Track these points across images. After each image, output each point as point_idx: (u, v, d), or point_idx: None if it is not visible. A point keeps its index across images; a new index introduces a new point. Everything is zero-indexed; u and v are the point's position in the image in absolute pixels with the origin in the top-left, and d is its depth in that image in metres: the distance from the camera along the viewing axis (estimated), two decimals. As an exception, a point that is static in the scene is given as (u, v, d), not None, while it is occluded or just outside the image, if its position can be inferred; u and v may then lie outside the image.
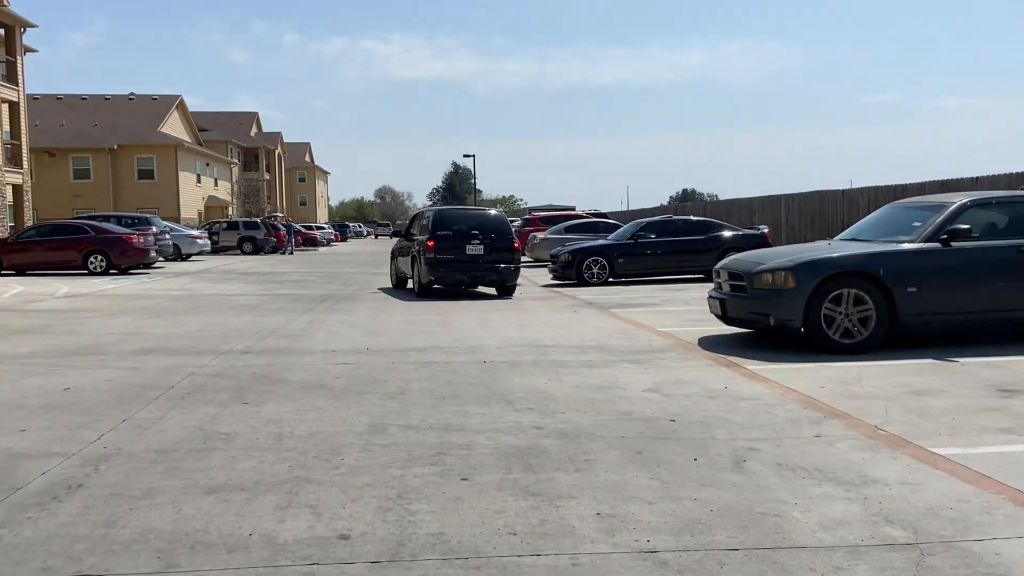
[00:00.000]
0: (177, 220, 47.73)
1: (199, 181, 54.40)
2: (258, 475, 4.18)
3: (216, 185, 58.61)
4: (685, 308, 12.38)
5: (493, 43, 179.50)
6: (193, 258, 31.06)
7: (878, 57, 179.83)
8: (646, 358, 7.70)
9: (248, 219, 42.41)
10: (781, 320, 7.76)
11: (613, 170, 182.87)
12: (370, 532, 3.39)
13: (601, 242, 19.06)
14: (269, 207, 70.93)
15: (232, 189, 61.20)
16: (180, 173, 50.01)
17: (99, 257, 21.60)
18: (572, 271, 17.87)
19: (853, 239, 8.58)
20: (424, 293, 14.87)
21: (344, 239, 70.37)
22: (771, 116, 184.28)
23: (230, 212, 57.95)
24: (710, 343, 8.55)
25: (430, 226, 14.86)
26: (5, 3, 31.05)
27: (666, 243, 18.27)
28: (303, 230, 52.70)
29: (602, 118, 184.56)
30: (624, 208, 71.41)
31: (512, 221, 45.32)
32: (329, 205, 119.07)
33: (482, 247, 14.66)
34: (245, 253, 38.32)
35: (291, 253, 39.99)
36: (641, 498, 3.80)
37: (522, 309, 12.71)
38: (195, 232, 30.99)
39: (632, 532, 3.38)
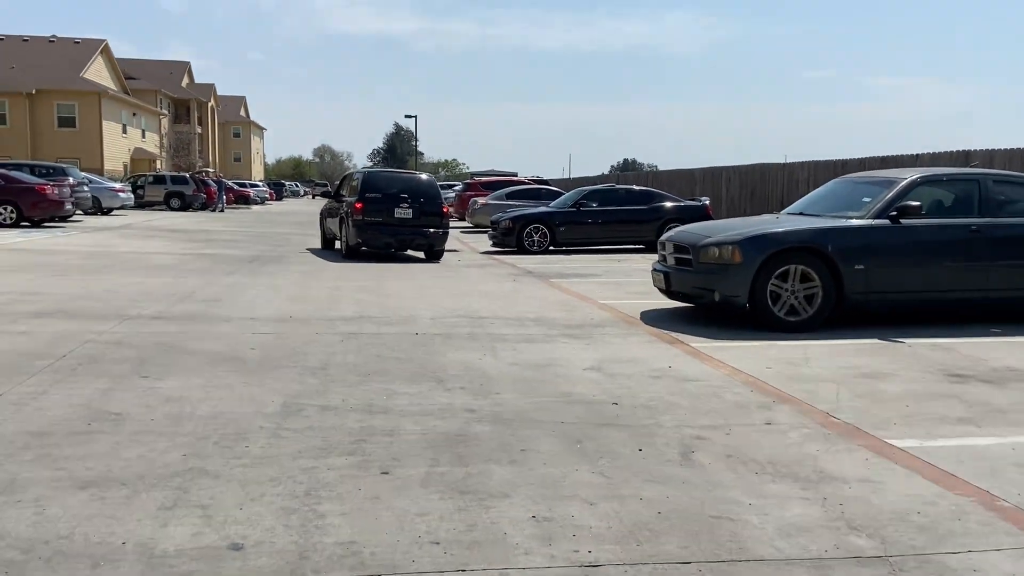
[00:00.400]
0: (100, 172, 45.37)
1: (125, 132, 51.78)
2: (145, 466, 3.63)
3: (143, 137, 55.92)
4: (627, 280, 12.07)
5: (437, 2, 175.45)
6: (115, 212, 29.48)
7: (817, 34, 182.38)
8: (587, 333, 7.32)
9: (176, 173, 40.55)
10: (726, 296, 7.47)
11: (556, 137, 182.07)
12: (268, 541, 2.91)
13: (542, 209, 18.62)
14: (201, 162, 68.20)
15: (161, 142, 58.49)
16: (104, 122, 47.43)
17: (9, 208, 20.15)
18: (512, 238, 17.42)
19: (801, 214, 8.33)
20: (351, 255, 14.72)
21: (280, 198, 68.27)
22: (711, 88, 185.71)
23: (158, 166, 55.43)
24: (653, 318, 8.23)
25: (359, 188, 14.71)
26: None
27: (608, 212, 17.95)
28: (236, 187, 50.76)
29: (546, 84, 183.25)
30: (566, 176, 70.94)
31: (453, 185, 44.74)
32: (265, 162, 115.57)
33: (411, 211, 14.61)
34: (172, 209, 36.66)
35: (221, 211, 38.44)
36: (582, 497, 3.40)
37: (460, 277, 12.22)
38: (117, 185, 29.32)
39: (572, 540, 2.98)
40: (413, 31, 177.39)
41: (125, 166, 50.96)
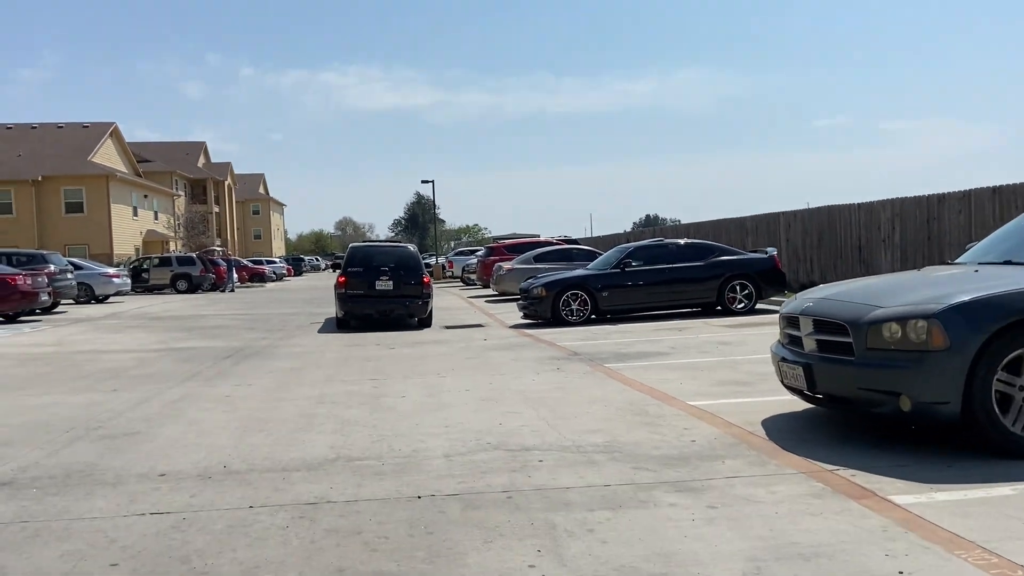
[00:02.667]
0: (110, 256, 43.67)
1: (136, 214, 50.29)
2: None
3: (156, 218, 54.48)
4: (704, 359, 9.19)
5: (451, 75, 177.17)
6: (111, 299, 27.21)
7: (826, 83, 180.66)
8: (699, 474, 4.45)
9: (182, 254, 38.55)
10: (923, 402, 4.57)
11: (575, 197, 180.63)
12: None
13: (580, 273, 15.88)
14: (219, 241, 66.80)
15: (176, 222, 56.91)
16: (113, 206, 45.87)
17: (-26, 303, 17.81)
18: (547, 308, 14.68)
19: (1008, 262, 5.45)
20: (342, 326, 15.31)
21: (299, 273, 66.55)
22: (725, 142, 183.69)
23: (172, 247, 53.81)
24: (786, 434, 5.34)
25: (344, 262, 15.60)
26: None
27: (658, 272, 15.17)
28: (250, 265, 48.91)
29: (562, 146, 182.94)
30: (588, 235, 68.39)
31: (476, 251, 42.32)
32: (287, 238, 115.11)
33: (391, 282, 15.17)
34: (179, 292, 34.48)
35: (231, 291, 36.21)
36: None
37: (487, 365, 9.42)
38: (111, 270, 27.05)
39: None
40: (428, 104, 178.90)
41: (137, 249, 49.32)
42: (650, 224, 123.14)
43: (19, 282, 18.17)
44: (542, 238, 36.51)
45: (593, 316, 14.78)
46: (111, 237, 45.39)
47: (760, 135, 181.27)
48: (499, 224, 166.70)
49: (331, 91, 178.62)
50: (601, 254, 23.51)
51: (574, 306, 14.70)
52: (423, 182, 50.84)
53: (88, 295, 25.69)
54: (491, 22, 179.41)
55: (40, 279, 18.96)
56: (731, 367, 8.48)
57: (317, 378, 8.77)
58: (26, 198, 43.78)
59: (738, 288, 15.16)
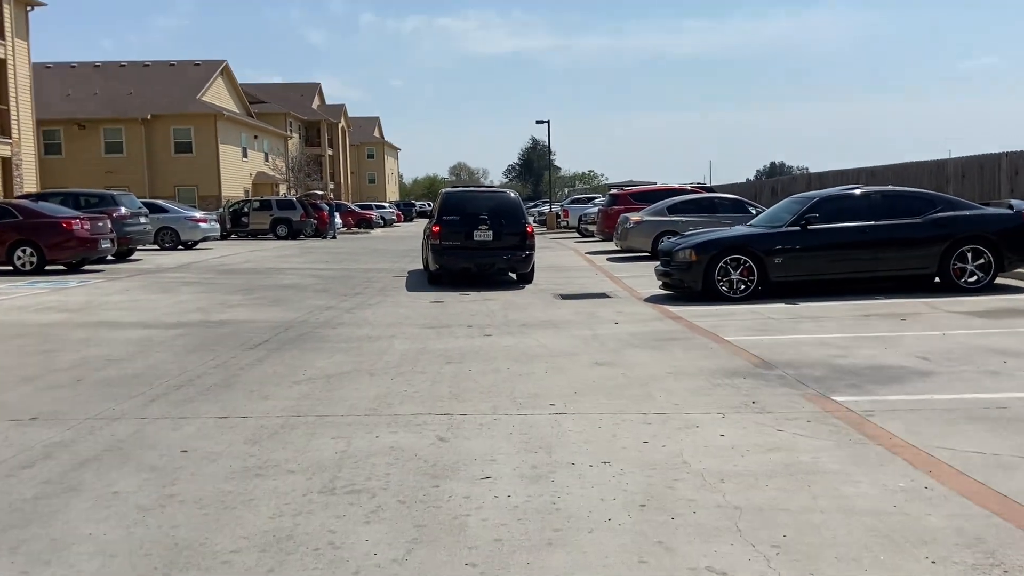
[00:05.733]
0: (218, 198, 42.51)
1: (245, 155, 49.00)
2: None
3: (267, 160, 53.19)
4: (1006, 393, 5.22)
5: (569, 18, 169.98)
6: (199, 246, 25.15)
7: (970, 22, 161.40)
8: None
9: (282, 198, 36.51)
10: None
11: (691, 143, 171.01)
12: None
13: (744, 231, 11.89)
14: (332, 185, 65.46)
15: (288, 165, 55.44)
16: (221, 146, 44.53)
17: (27, 250, 15.69)
18: (697, 277, 10.87)
19: None
20: (434, 281, 13.93)
21: (408, 219, 64.42)
22: (858, 85, 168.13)
23: (282, 190, 52.46)
24: None
25: (438, 210, 13.84)
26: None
27: (856, 231, 11.01)
28: (356, 210, 46.81)
29: (681, 91, 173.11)
30: (708, 182, 62.12)
31: (593, 198, 38.30)
32: (402, 182, 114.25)
33: (491, 233, 13.48)
34: (279, 237, 32.48)
35: (333, 237, 33.94)
36: None
37: (632, 387, 5.81)
38: (197, 214, 24.85)
39: None
40: (546, 47, 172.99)
41: (246, 191, 48.12)
42: (775, 173, 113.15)
43: (75, 227, 15.90)
44: (659, 185, 32.07)
45: (759, 287, 10.88)
46: (219, 178, 44.19)
47: (895, 77, 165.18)
48: (615, 170, 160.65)
49: (449, 36, 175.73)
50: (754, 205, 19.30)
51: (735, 276, 10.82)
52: (538, 122, 47.12)
53: (174, 240, 23.69)
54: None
55: (101, 224, 16.65)
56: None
57: (359, 402, 5.43)
58: (136, 137, 42.97)
59: (970, 256, 10.84)
